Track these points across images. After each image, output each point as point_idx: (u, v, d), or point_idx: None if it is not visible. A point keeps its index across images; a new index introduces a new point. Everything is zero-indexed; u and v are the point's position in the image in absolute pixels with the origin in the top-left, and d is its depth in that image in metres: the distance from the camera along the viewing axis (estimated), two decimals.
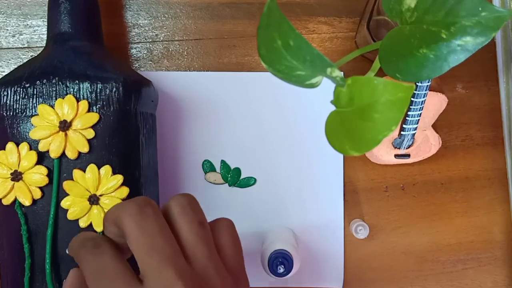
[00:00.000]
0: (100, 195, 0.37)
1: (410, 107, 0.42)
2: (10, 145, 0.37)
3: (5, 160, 0.37)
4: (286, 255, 0.41)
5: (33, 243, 0.37)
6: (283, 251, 0.41)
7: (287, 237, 0.45)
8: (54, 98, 0.37)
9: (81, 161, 0.37)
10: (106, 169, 0.37)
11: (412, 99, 0.41)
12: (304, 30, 0.48)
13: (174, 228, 0.25)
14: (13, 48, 0.47)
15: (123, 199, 0.37)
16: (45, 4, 0.46)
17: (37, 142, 0.36)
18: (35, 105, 0.37)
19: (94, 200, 0.37)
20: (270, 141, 0.47)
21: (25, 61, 0.44)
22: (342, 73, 0.26)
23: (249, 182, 0.47)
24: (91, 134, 0.36)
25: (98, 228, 0.37)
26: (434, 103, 0.43)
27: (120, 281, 0.22)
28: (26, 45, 0.47)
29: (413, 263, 0.49)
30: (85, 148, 0.36)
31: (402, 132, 0.44)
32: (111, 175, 0.37)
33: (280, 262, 0.40)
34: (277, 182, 0.47)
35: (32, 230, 0.37)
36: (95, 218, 0.37)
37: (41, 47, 0.47)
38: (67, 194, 0.37)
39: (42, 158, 0.37)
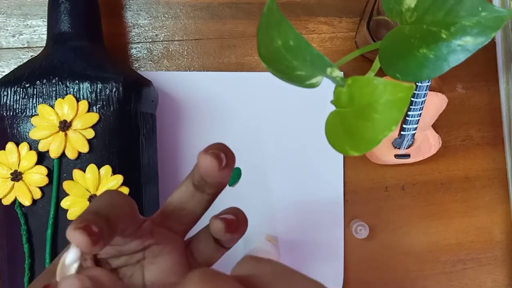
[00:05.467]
0: None
1: (410, 107, 0.42)
2: (10, 145, 0.37)
3: (5, 160, 0.37)
4: None
5: (33, 243, 0.37)
6: None
7: (266, 244, 0.44)
8: (54, 98, 0.37)
9: (81, 161, 0.37)
10: (106, 169, 0.37)
11: (412, 99, 0.41)
12: (304, 30, 0.48)
13: None
14: (13, 48, 0.47)
15: None
16: (45, 4, 0.46)
17: (37, 142, 0.36)
18: (35, 105, 0.37)
19: None
20: (270, 141, 0.47)
21: (25, 61, 0.44)
22: (342, 73, 0.26)
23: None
24: (91, 134, 0.36)
25: None
26: (434, 103, 0.43)
27: None
28: (26, 45, 0.47)
29: (413, 263, 0.49)
30: (85, 148, 0.36)
31: (402, 132, 0.44)
32: (111, 175, 0.37)
33: None
34: (277, 182, 0.47)
35: (32, 230, 0.37)
36: None
37: (41, 47, 0.47)
38: (67, 194, 0.37)
39: (42, 158, 0.37)
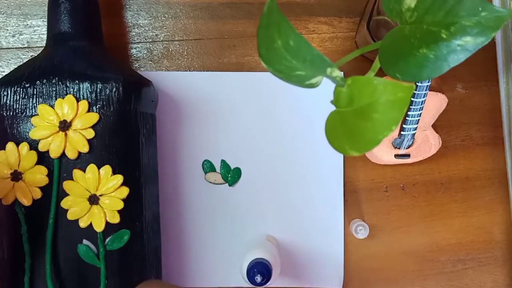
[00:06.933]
0: (100, 195, 0.37)
1: (410, 107, 0.42)
2: (10, 145, 0.37)
3: (5, 160, 0.37)
4: (264, 264, 0.40)
5: (33, 243, 0.37)
6: (261, 260, 0.40)
7: (266, 245, 0.44)
8: (54, 98, 0.37)
9: (81, 161, 0.37)
10: (106, 169, 0.37)
11: (412, 99, 0.41)
12: (304, 30, 0.48)
13: None
14: (13, 48, 0.47)
15: (123, 199, 0.37)
16: (45, 4, 0.46)
17: (37, 142, 0.36)
18: (35, 105, 0.37)
19: (94, 200, 0.37)
20: (270, 141, 0.47)
21: (25, 61, 0.44)
22: (342, 73, 0.26)
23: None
24: (91, 134, 0.36)
25: (98, 228, 0.37)
26: (434, 103, 0.43)
27: None
28: (26, 45, 0.47)
29: (413, 263, 0.49)
30: (85, 148, 0.36)
31: (402, 132, 0.44)
32: (111, 175, 0.37)
33: (257, 271, 0.39)
34: (277, 182, 0.47)
35: (32, 230, 0.37)
36: (95, 218, 0.37)
37: (41, 47, 0.47)
38: (67, 194, 0.37)
39: (42, 158, 0.37)
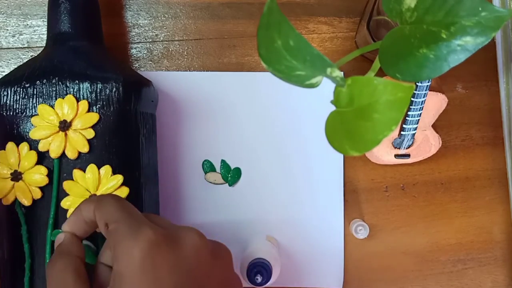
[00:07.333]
0: None
1: (410, 107, 0.42)
2: (10, 145, 0.37)
3: (5, 160, 0.37)
4: (264, 264, 0.40)
5: (33, 243, 0.37)
6: (261, 260, 0.40)
7: (266, 245, 0.44)
8: (54, 98, 0.37)
9: (81, 161, 0.37)
10: (106, 169, 0.37)
11: (412, 99, 0.41)
12: (304, 30, 0.48)
13: None
14: (13, 48, 0.47)
15: None
16: (45, 4, 0.46)
17: (37, 142, 0.36)
18: (35, 105, 0.37)
19: None
20: (270, 141, 0.47)
21: (25, 61, 0.44)
22: (342, 73, 0.26)
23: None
24: (91, 134, 0.36)
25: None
26: (434, 103, 0.43)
27: None
28: (26, 45, 0.47)
29: (413, 263, 0.49)
30: (85, 148, 0.36)
31: (402, 132, 0.44)
32: (111, 175, 0.37)
33: (257, 271, 0.39)
34: (277, 182, 0.47)
35: (32, 230, 0.37)
36: None
37: (41, 47, 0.47)
38: (67, 194, 0.37)
39: (42, 158, 0.37)
